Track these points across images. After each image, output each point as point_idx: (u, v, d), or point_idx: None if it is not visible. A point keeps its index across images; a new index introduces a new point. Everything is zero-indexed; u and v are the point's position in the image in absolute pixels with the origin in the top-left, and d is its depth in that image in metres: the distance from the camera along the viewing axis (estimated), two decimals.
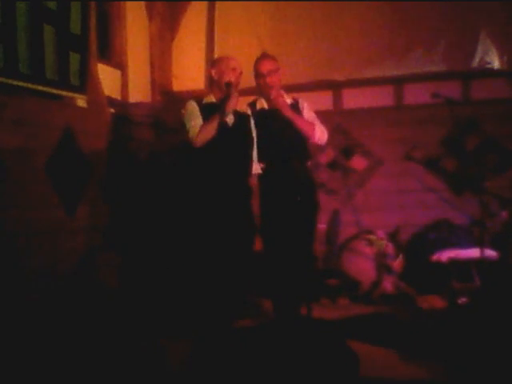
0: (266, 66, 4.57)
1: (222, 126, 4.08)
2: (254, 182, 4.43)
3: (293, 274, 4.48)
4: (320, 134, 4.62)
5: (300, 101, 4.72)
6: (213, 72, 4.32)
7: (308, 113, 4.69)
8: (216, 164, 4.13)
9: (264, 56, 4.68)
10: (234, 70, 4.25)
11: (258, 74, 4.59)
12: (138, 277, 5.45)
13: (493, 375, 3.52)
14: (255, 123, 4.46)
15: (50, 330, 4.07)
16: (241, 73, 4.29)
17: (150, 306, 4.95)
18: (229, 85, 4.15)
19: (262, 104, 4.64)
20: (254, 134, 4.41)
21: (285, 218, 4.45)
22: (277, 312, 4.54)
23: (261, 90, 4.62)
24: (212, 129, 4.07)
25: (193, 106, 4.24)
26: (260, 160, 4.46)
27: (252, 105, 4.65)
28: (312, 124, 4.62)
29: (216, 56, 4.41)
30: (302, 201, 4.49)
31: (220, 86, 4.27)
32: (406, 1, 6.57)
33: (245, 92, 4.55)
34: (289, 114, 4.50)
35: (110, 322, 4.48)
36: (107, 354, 3.86)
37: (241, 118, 4.35)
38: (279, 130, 4.49)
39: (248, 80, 4.58)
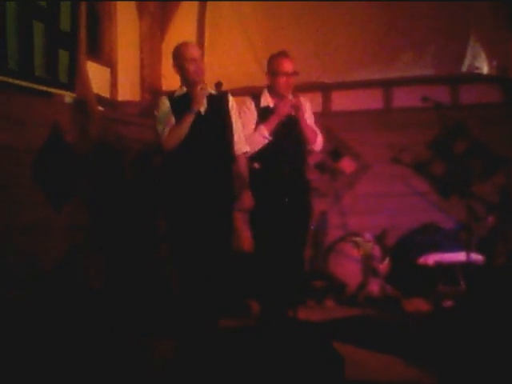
0: (290, 66, 4.42)
1: (195, 115, 4.00)
2: (242, 161, 4.31)
3: (282, 276, 4.46)
4: (319, 142, 4.60)
5: (302, 100, 4.54)
6: (175, 68, 4.17)
7: (310, 116, 4.60)
8: (193, 157, 4.06)
9: (286, 54, 4.48)
10: (193, 60, 4.08)
11: (280, 72, 4.40)
12: (123, 276, 5.42)
13: (478, 377, 3.53)
14: (258, 120, 4.37)
15: (31, 329, 4.03)
16: (202, 55, 4.16)
17: (135, 306, 4.93)
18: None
19: (268, 102, 4.49)
20: (233, 116, 4.24)
21: (279, 221, 4.42)
22: (263, 313, 4.54)
23: (277, 87, 4.45)
24: (180, 132, 4.01)
25: (164, 105, 4.13)
26: (257, 159, 4.41)
27: (255, 98, 4.49)
28: (316, 132, 4.57)
29: (173, 49, 4.20)
30: (297, 204, 4.46)
31: (186, 80, 4.15)
32: (396, 3, 6.58)
33: (234, 93, 4.42)
34: (303, 121, 4.42)
35: (93, 321, 4.45)
36: (90, 353, 3.83)
37: (215, 102, 4.17)
38: (285, 134, 4.41)
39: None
